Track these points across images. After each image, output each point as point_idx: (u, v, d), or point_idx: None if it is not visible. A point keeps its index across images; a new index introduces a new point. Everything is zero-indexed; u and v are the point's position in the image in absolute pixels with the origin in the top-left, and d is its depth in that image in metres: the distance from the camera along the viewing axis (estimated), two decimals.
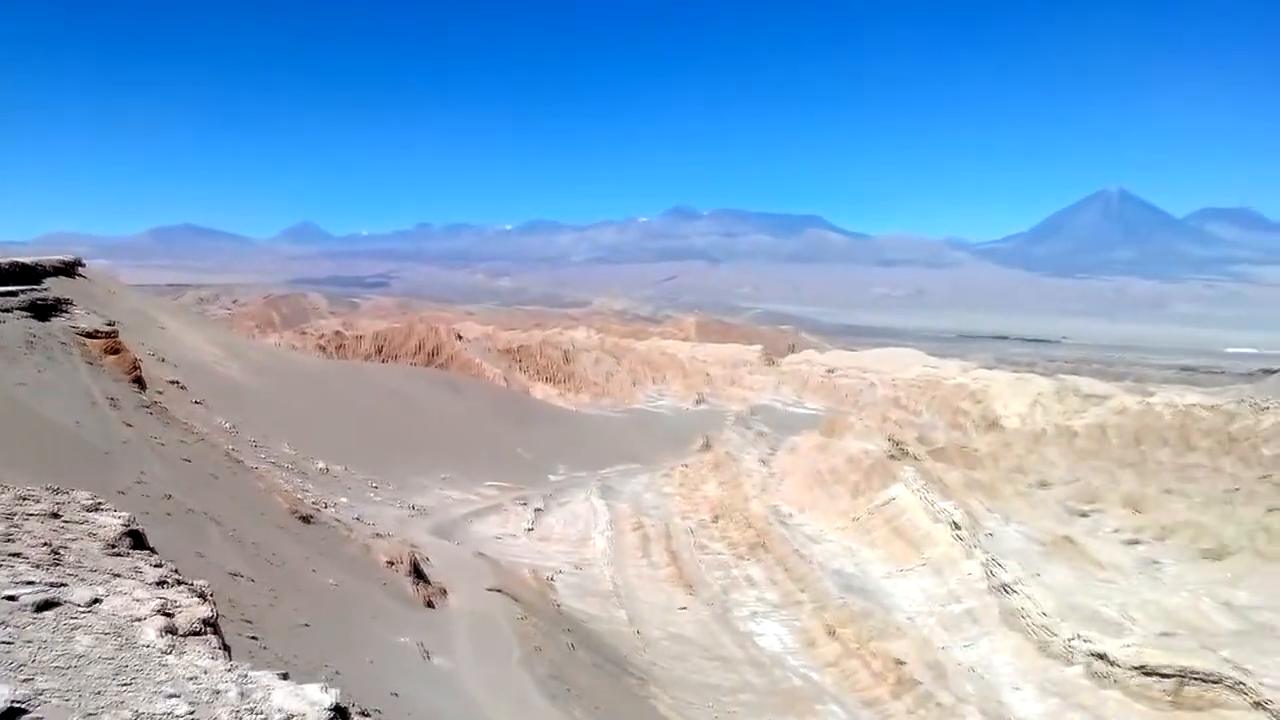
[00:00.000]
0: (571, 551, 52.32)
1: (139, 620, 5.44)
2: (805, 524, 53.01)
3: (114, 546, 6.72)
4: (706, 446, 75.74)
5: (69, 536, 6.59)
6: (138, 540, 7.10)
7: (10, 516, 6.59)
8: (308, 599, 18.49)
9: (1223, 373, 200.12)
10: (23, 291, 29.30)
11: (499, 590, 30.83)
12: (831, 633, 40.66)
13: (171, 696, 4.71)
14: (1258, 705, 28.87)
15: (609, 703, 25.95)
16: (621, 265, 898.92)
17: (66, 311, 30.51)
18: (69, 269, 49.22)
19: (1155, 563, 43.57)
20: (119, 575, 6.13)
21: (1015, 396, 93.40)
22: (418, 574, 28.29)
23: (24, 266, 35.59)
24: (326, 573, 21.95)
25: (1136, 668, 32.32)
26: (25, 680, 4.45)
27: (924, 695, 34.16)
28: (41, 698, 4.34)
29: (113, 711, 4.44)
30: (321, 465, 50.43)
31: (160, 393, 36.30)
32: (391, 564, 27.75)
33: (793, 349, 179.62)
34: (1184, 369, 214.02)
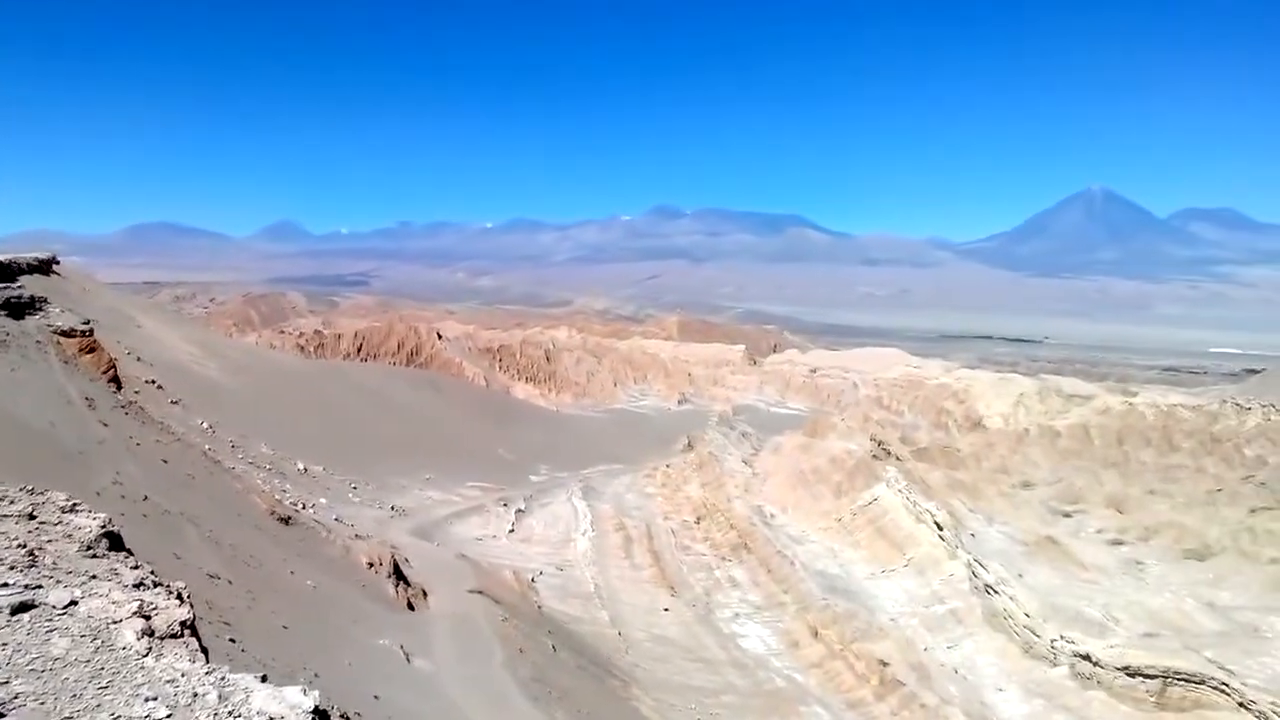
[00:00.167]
0: (553, 553, 52.18)
1: (117, 622, 5.39)
2: (788, 525, 53.04)
3: (91, 548, 6.65)
4: (689, 447, 75.78)
5: (45, 538, 6.51)
6: (115, 542, 7.02)
7: None
8: (287, 601, 18.34)
9: (1206, 373, 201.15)
10: None
11: (480, 592, 30.71)
12: (815, 634, 40.67)
13: (150, 699, 4.67)
14: (1242, 706, 29.03)
15: (591, 705, 25.91)
16: (603, 264, 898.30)
17: (41, 310, 30.07)
18: (44, 267, 48.57)
19: (1139, 563, 43.83)
20: (96, 577, 6.06)
21: (998, 396, 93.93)
22: (398, 576, 28.13)
23: None
24: (306, 574, 21.77)
25: (1121, 669, 32.44)
26: (1, 684, 4.39)
27: (908, 696, 34.21)
28: (17, 701, 4.28)
29: (90, 715, 4.40)
30: (300, 466, 50.04)
31: (137, 392, 35.87)
32: (372, 566, 27.57)
33: (775, 349, 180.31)
34: (1167, 369, 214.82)
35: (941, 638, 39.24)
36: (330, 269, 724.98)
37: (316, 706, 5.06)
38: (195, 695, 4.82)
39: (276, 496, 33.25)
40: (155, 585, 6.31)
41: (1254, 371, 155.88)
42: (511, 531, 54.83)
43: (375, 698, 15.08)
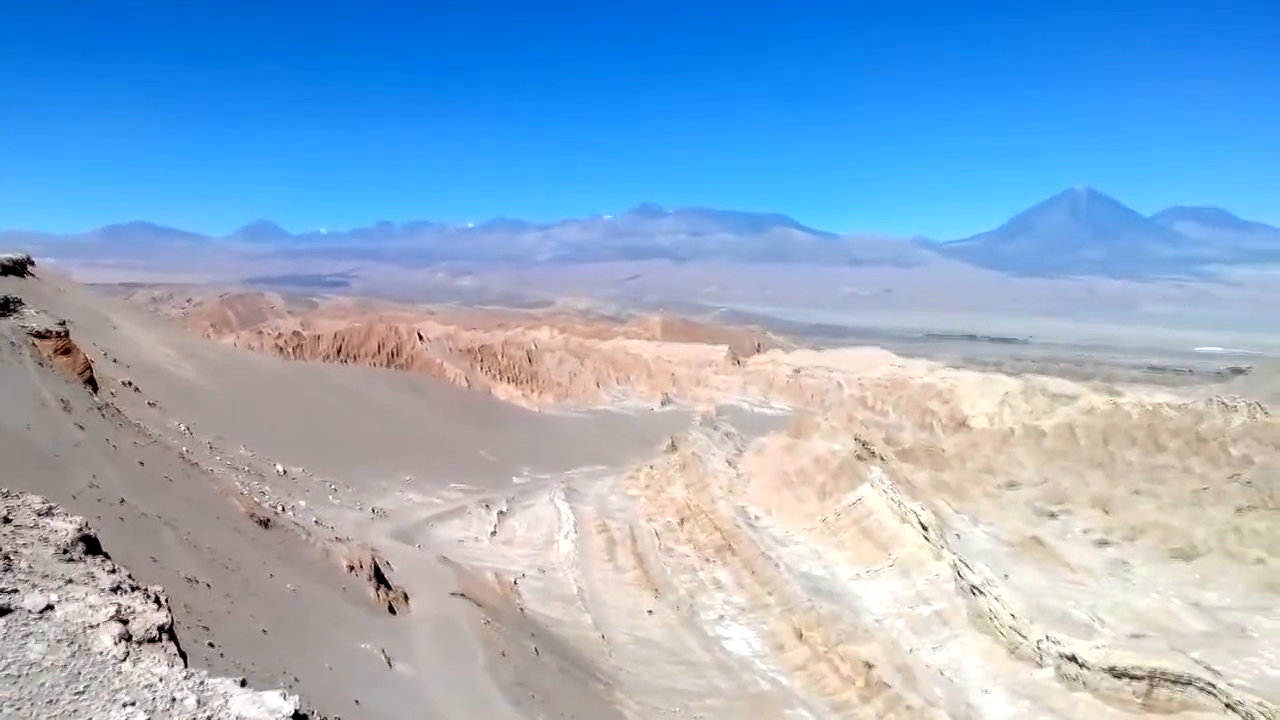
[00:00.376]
0: (536, 555, 52.04)
1: (93, 627, 5.31)
2: (772, 526, 53.06)
3: (67, 552, 6.55)
4: (672, 448, 75.84)
5: (21, 542, 6.41)
6: (92, 545, 6.92)
7: None
8: (266, 604, 18.16)
9: (1191, 372, 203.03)
10: None
11: (462, 595, 30.57)
12: (800, 636, 40.62)
13: (128, 705, 4.62)
14: (1229, 707, 29.00)
15: (574, 709, 25.84)
16: (586, 264, 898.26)
17: (16, 311, 29.67)
18: (18, 268, 47.92)
19: (1125, 564, 43.87)
20: (73, 581, 5.98)
21: (983, 396, 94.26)
22: (379, 579, 27.95)
23: None
24: (285, 578, 21.57)
25: (1107, 670, 32.39)
26: None
27: (893, 698, 34.16)
28: None
29: None
30: (280, 468, 49.62)
31: (113, 394, 35.46)
32: (352, 569, 27.37)
33: (759, 349, 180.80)
34: (1152, 369, 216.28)
35: (927, 639, 39.19)
36: (309, 269, 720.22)
37: (296, 711, 5.01)
38: (173, 700, 4.77)
39: (255, 499, 32.94)
40: (133, 589, 6.23)
41: (1240, 371, 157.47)
42: (493, 534, 54.64)
43: (356, 702, 14.97)
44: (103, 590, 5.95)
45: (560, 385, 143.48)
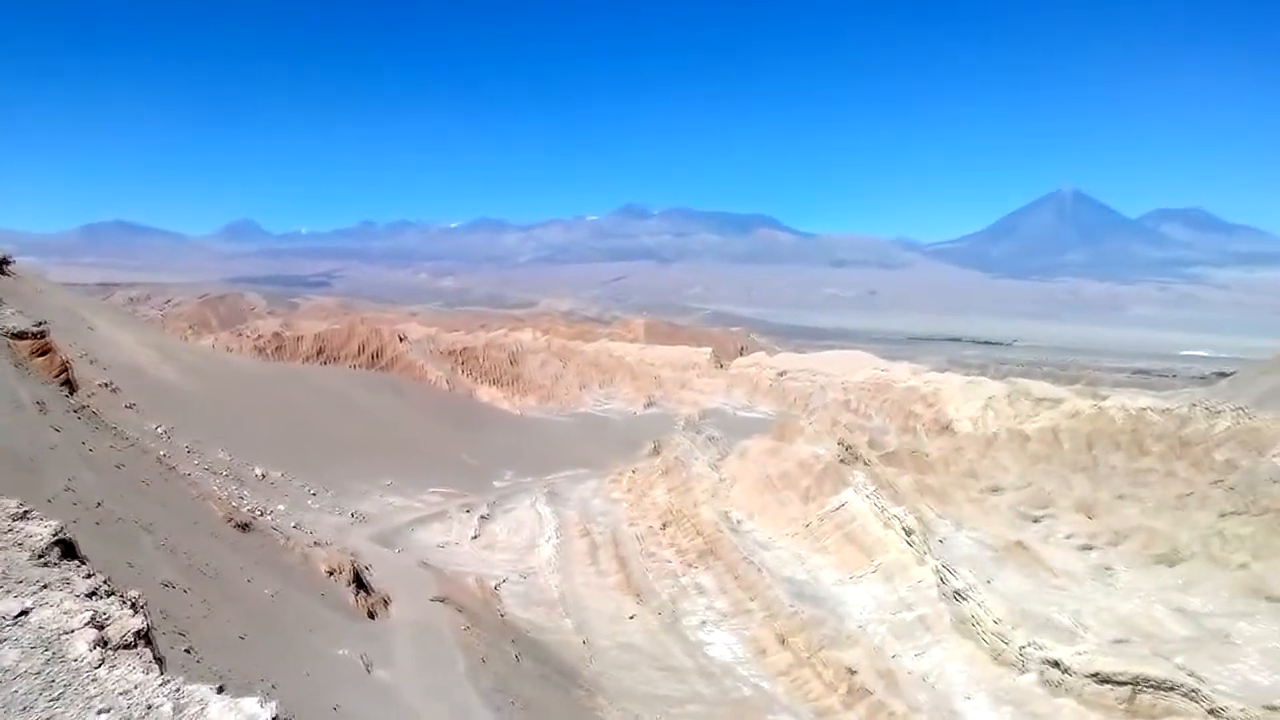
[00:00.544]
0: (517, 560, 51.92)
1: (69, 633, 5.28)
2: (755, 530, 53.02)
3: (43, 556, 6.50)
4: (656, 451, 75.87)
5: None
6: (68, 550, 6.86)
7: None
8: (244, 610, 18.01)
9: (1176, 376, 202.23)
10: None
11: (443, 600, 30.44)
12: (782, 641, 40.60)
13: (103, 711, 4.59)
14: (1211, 713, 28.98)
15: (556, 715, 25.79)
16: (569, 265, 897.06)
17: None
18: None
19: (1108, 569, 43.68)
20: (48, 586, 5.93)
21: (967, 400, 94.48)
22: (359, 584, 27.78)
23: None
24: (264, 583, 21.40)
25: (1090, 675, 32.30)
26: None
27: (876, 704, 34.13)
28: None
29: None
30: (259, 471, 49.25)
31: (91, 396, 35.06)
32: (331, 573, 27.19)
33: (743, 351, 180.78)
34: (1137, 372, 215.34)
35: (910, 645, 39.12)
36: (290, 269, 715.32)
37: (275, 717, 5.00)
38: (149, 707, 4.74)
39: (234, 503, 32.67)
40: (109, 594, 6.18)
41: (1224, 374, 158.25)
42: (474, 538, 54.47)
43: (335, 708, 14.88)
44: (79, 595, 5.90)
45: (543, 388, 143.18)
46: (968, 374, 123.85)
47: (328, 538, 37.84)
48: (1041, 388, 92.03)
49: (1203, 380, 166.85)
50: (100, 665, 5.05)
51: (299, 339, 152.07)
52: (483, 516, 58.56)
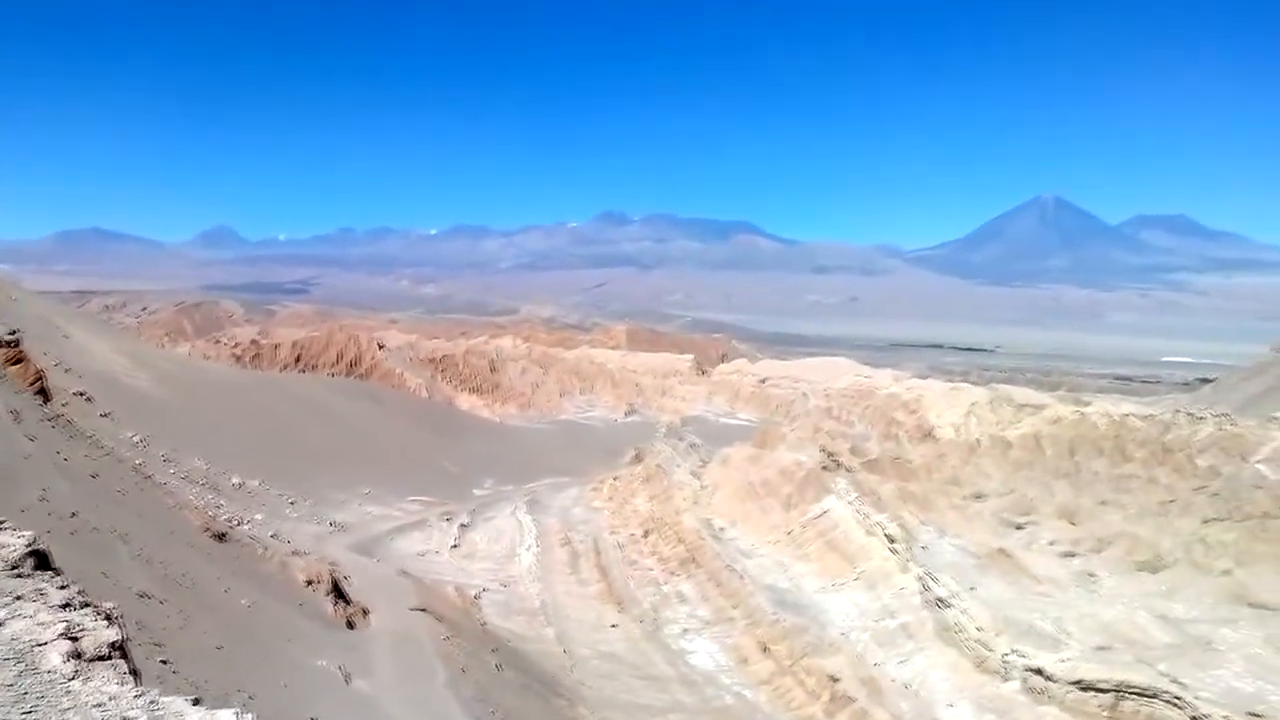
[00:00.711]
0: (498, 568, 51.64)
1: (42, 645, 5.21)
2: (737, 538, 52.93)
3: (16, 567, 6.41)
4: (637, 459, 75.84)
5: None
6: (41, 560, 6.76)
7: None
8: (221, 620, 17.80)
9: (1158, 382, 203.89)
10: None
11: (422, 609, 30.22)
12: (764, 649, 40.41)
13: None
14: None
15: None
16: (550, 271, 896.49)
17: None
18: None
19: (1091, 575, 43.57)
20: (21, 597, 5.85)
21: (949, 406, 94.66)
22: (337, 593, 27.54)
23: None
24: (241, 593, 21.16)
25: (1073, 683, 32.09)
26: None
27: (858, 713, 33.95)
28: None
29: None
30: (236, 480, 48.75)
31: (65, 405, 34.56)
32: (310, 583, 26.94)
33: (724, 358, 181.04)
34: (1119, 378, 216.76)
35: (893, 653, 38.92)
36: (268, 276, 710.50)
37: None
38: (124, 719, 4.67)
39: (210, 512, 32.31)
40: (83, 605, 6.09)
41: (1206, 380, 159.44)
42: (454, 547, 54.13)
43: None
44: (52, 607, 5.82)
45: (523, 395, 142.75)
46: (950, 380, 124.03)
47: (306, 547, 37.50)
48: (1024, 394, 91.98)
49: (1185, 386, 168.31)
50: (74, 677, 4.98)
51: (276, 347, 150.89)
52: (463, 525, 58.21)
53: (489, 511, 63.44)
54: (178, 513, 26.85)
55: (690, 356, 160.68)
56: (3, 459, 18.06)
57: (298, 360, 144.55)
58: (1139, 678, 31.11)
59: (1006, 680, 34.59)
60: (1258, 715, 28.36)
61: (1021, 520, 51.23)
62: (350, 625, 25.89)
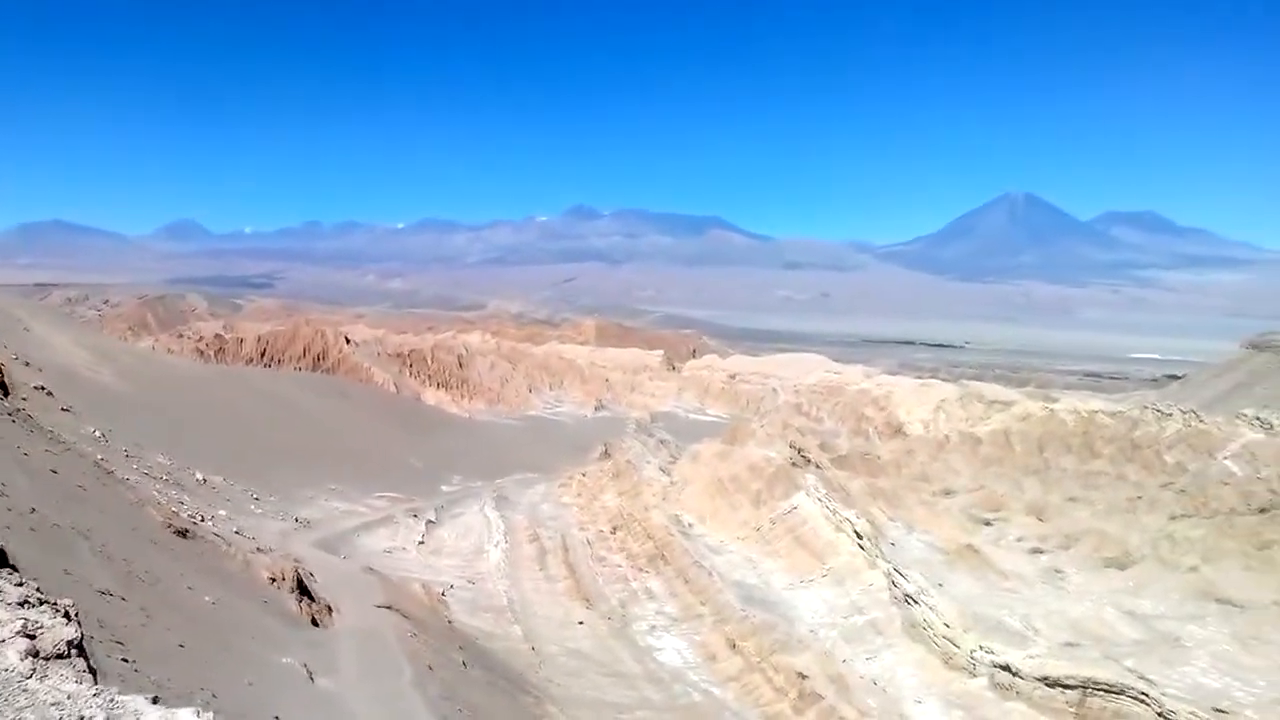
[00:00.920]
0: (465, 565, 51.41)
1: None
2: (706, 534, 52.96)
3: None
4: (606, 455, 75.75)
5: None
6: None
7: None
8: (183, 618, 17.58)
9: (1127, 379, 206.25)
10: None
11: (389, 607, 30.02)
12: (733, 646, 40.42)
13: None
14: (1162, 716, 29.09)
15: None
16: (519, 266, 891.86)
17: None
18: None
19: (1059, 572, 43.91)
20: None
21: (919, 403, 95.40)
22: (302, 590, 27.26)
23: None
24: (204, 590, 20.91)
25: (1040, 679, 32.29)
26: None
27: (827, 709, 33.99)
28: None
29: None
30: (199, 476, 48.02)
31: (25, 399, 33.93)
32: (274, 580, 26.65)
33: (694, 354, 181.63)
34: (1088, 375, 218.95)
35: (861, 649, 38.98)
36: (233, 270, 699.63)
37: None
38: (82, 718, 4.66)
39: (173, 508, 31.81)
40: (41, 603, 6.05)
41: (1175, 377, 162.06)
42: (421, 543, 53.81)
43: (276, 718, 14.61)
44: (9, 604, 5.78)
45: (492, 390, 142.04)
46: (919, 377, 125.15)
47: (270, 544, 37.01)
48: (993, 390, 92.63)
49: (1153, 383, 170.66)
50: (31, 676, 4.95)
51: (241, 341, 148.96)
52: (430, 521, 57.88)
53: (456, 508, 63.17)
54: (140, 509, 26.45)
55: (660, 352, 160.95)
56: None
57: (263, 355, 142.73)
58: (1106, 674, 31.40)
59: (974, 676, 34.79)
60: (1224, 711, 28.75)
61: (990, 516, 51.64)
62: (315, 623, 25.66)
